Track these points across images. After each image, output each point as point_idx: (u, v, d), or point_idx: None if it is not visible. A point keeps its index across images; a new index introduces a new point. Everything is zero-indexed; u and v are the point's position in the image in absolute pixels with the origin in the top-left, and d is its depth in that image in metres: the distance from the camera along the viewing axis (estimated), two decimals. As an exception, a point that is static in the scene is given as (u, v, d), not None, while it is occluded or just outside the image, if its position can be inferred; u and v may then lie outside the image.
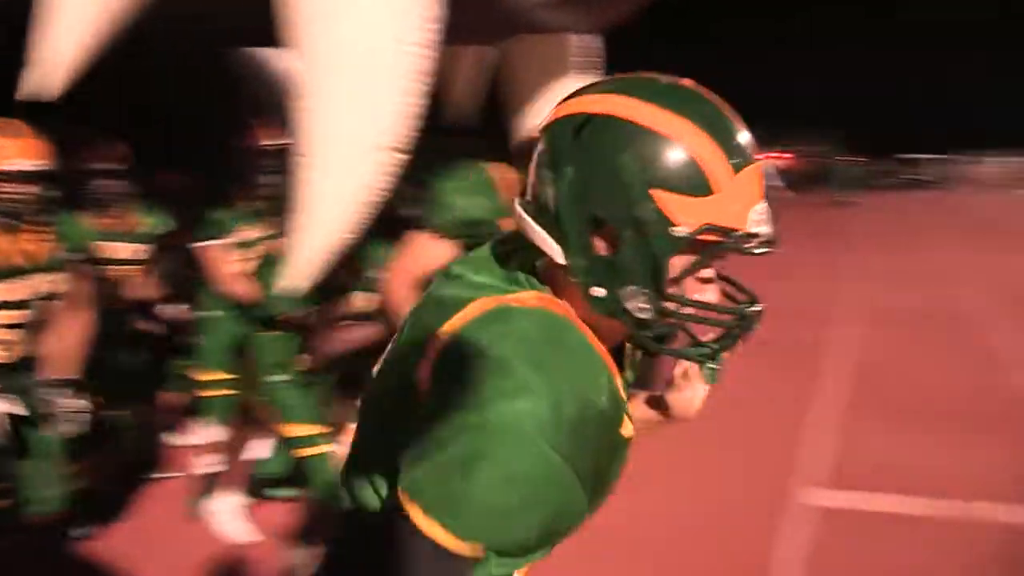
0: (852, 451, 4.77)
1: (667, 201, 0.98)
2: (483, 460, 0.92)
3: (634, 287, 1.02)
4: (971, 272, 10.77)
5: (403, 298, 2.58)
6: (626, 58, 2.77)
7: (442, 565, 0.95)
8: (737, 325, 1.06)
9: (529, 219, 1.08)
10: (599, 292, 1.04)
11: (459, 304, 1.05)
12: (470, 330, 1.01)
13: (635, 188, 0.98)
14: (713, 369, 1.25)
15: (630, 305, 1.03)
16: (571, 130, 1.03)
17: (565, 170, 1.02)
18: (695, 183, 0.98)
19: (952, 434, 4.90)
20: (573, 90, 1.10)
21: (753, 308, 1.07)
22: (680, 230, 0.98)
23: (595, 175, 1.00)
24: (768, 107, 21.06)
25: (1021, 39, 54.61)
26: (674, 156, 0.98)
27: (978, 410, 5.32)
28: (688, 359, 1.13)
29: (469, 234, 2.66)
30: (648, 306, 1.02)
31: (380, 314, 3.27)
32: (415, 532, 0.95)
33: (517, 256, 1.13)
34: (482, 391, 0.94)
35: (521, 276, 1.10)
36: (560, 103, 1.09)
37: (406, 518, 0.96)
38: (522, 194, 1.12)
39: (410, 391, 1.03)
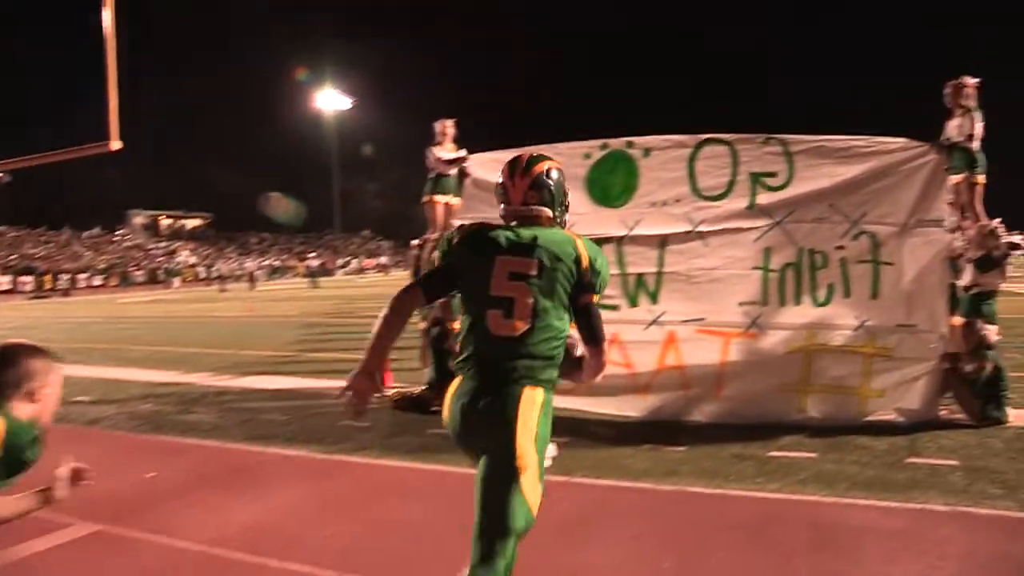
0: None
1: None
2: None
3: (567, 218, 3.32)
4: None
5: None
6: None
7: None
8: None
9: (540, 207, 3.19)
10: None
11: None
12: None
13: (566, 190, 3.30)
14: None
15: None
16: (547, 172, 3.21)
17: (552, 187, 3.22)
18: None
19: None
20: (528, 158, 3.25)
21: None
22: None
23: (560, 188, 3.25)
24: None
25: None
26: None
27: None
28: None
29: None
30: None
31: None
32: None
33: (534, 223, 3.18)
34: None
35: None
36: (532, 165, 3.23)
37: None
38: (524, 203, 3.21)
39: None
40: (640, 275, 7.68)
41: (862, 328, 7.12)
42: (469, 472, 6.20)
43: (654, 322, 7.56)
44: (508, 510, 2.85)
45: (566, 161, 7.89)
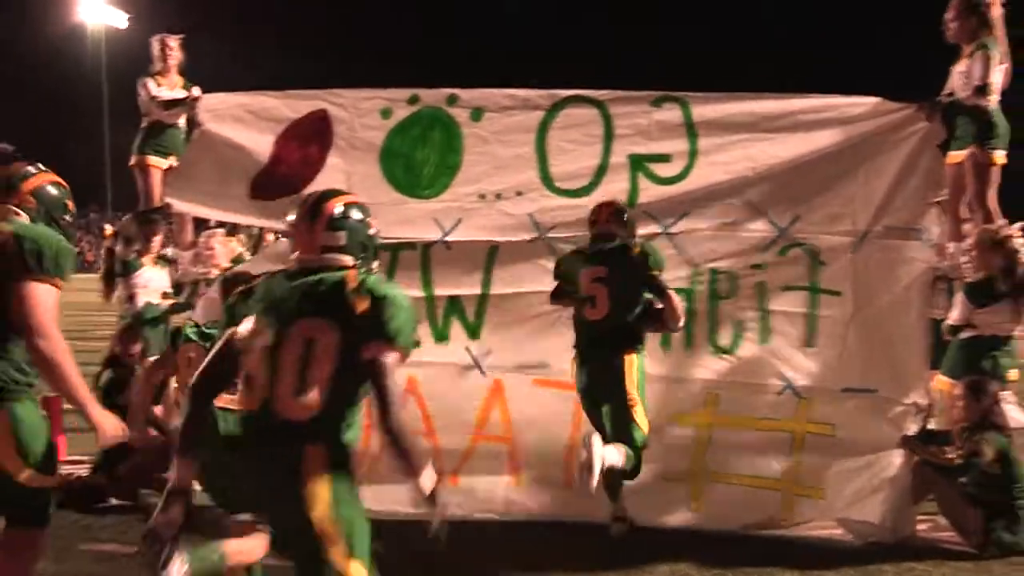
0: None
1: None
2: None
3: None
4: None
5: None
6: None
7: None
8: None
9: (617, 228, 5.31)
10: None
11: None
12: None
13: (635, 221, 5.73)
14: None
15: None
16: (621, 205, 5.50)
17: (626, 217, 5.44)
18: None
19: None
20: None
21: None
22: None
23: (632, 220, 5.53)
24: None
25: None
26: None
27: None
28: None
29: None
30: None
31: None
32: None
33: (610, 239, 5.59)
34: None
35: None
36: (612, 202, 5.46)
37: None
38: (607, 222, 5.34)
39: None
40: (454, 299, 5.97)
41: (789, 391, 5.53)
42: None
43: (472, 367, 5.87)
44: (631, 432, 4.93)
45: (352, 119, 6.21)
